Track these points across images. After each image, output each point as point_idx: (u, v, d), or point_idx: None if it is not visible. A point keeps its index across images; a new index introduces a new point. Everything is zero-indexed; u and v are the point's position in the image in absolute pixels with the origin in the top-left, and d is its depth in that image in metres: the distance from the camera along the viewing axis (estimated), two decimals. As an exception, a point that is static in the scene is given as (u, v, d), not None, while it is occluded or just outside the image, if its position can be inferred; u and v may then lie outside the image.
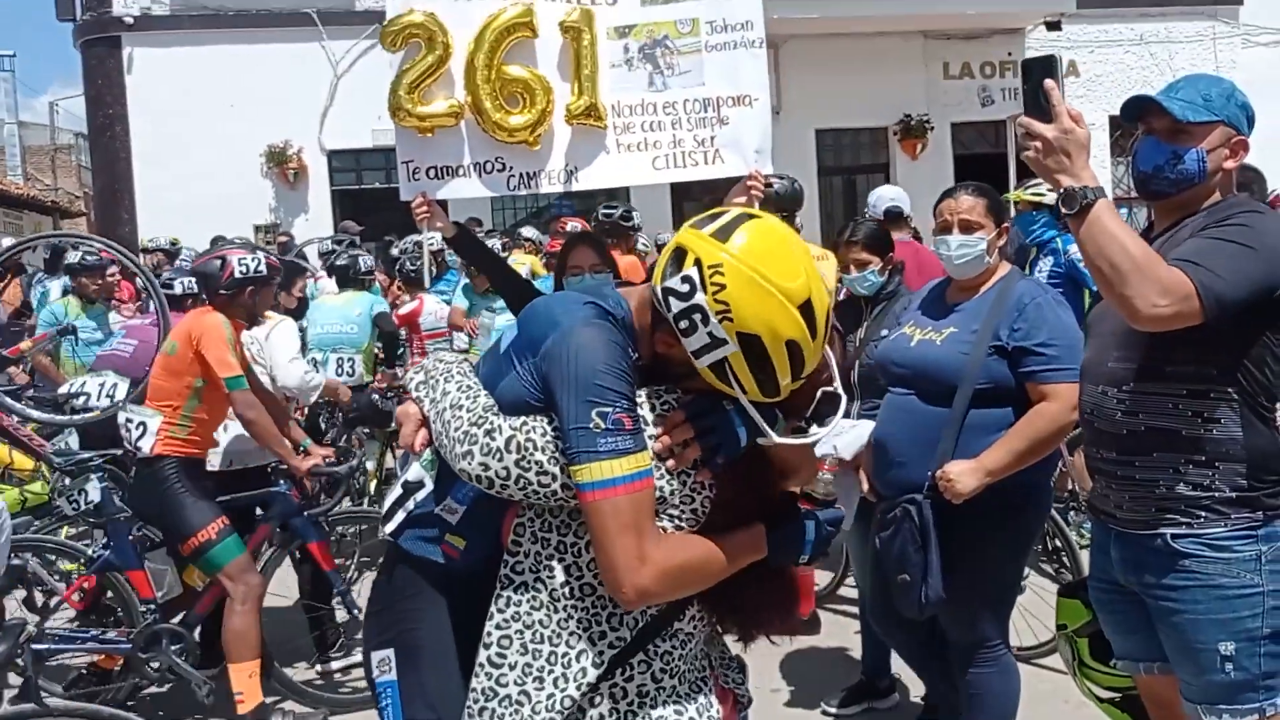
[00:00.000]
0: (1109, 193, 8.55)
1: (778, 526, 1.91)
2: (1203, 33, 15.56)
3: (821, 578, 5.49)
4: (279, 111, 13.30)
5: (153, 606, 4.31)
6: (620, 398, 1.76)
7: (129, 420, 4.30)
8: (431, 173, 3.93)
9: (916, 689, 4.21)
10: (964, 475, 3.02)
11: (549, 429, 1.82)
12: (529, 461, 1.81)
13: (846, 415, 4.01)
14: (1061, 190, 2.17)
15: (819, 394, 1.88)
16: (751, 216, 1.86)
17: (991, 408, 3.09)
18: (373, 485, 6.54)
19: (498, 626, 1.86)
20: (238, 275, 4.42)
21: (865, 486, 3.50)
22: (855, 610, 4.59)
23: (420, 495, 2.03)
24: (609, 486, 1.72)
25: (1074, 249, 6.41)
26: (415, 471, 2.05)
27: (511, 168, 3.93)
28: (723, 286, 1.73)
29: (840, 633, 4.98)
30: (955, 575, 3.10)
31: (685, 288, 1.76)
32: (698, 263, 1.77)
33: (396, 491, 2.09)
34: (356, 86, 13.62)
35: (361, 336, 6.80)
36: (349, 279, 7.14)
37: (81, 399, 5.72)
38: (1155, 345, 2.28)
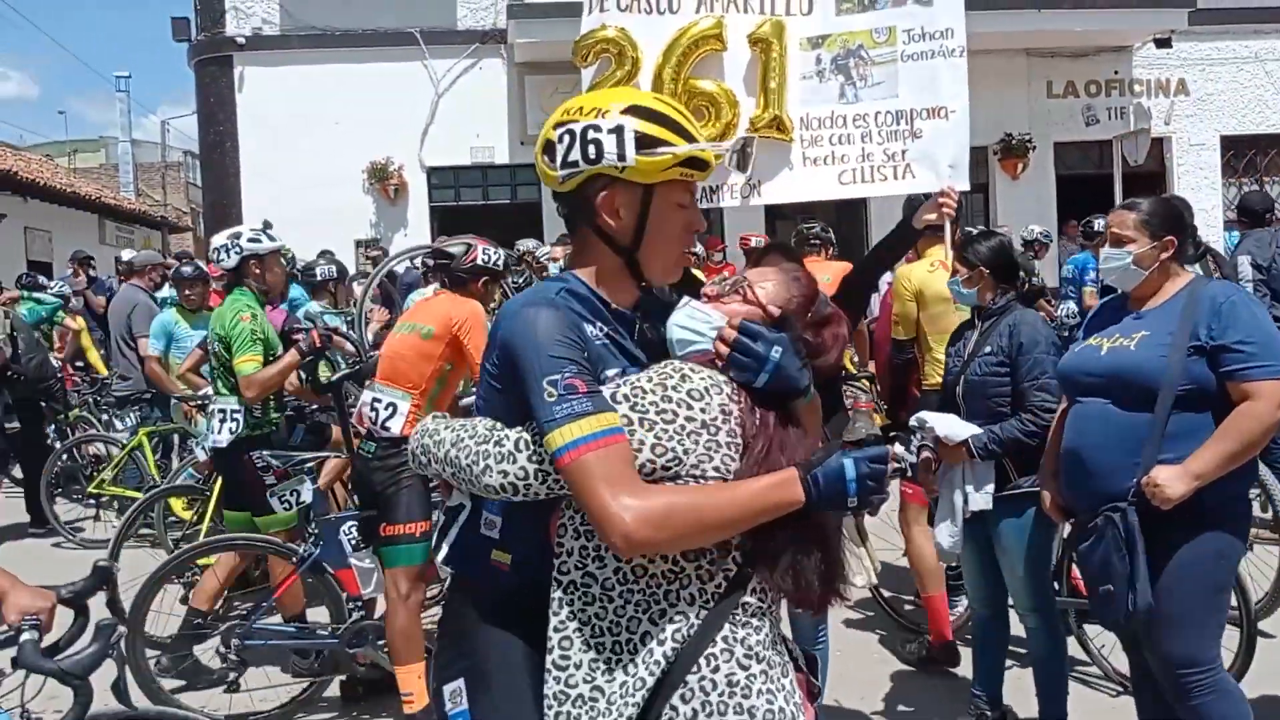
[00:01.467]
0: (1219, 216, 8.54)
1: (809, 469, 1.79)
2: (1322, 50, 14.99)
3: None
4: (381, 128, 13.58)
5: (359, 603, 4.44)
6: (567, 363, 1.81)
7: (376, 400, 4.38)
8: None
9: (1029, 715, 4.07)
10: (1172, 480, 2.94)
11: None
12: (542, 454, 1.81)
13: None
14: None
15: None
16: None
17: (1192, 412, 3.02)
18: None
19: (555, 629, 1.84)
20: (479, 262, 4.64)
21: (1047, 503, 3.47)
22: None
23: (463, 518, 2.05)
24: (572, 449, 1.74)
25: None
26: (456, 497, 2.08)
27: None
28: (580, 109, 1.97)
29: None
30: (1160, 589, 3.00)
31: (566, 140, 1.95)
32: (556, 126, 1.98)
33: (440, 519, 2.15)
34: (457, 105, 13.89)
35: None
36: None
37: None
38: None
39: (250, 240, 5.13)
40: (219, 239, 5.24)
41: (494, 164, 14.22)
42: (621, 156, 1.91)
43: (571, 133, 1.94)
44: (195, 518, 6.52)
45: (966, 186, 3.79)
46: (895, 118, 3.81)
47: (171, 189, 32.70)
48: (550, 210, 13.93)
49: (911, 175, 3.83)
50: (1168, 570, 3.01)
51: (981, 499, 3.80)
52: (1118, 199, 13.00)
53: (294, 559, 4.53)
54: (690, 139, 1.97)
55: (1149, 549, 3.00)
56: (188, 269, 7.76)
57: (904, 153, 3.81)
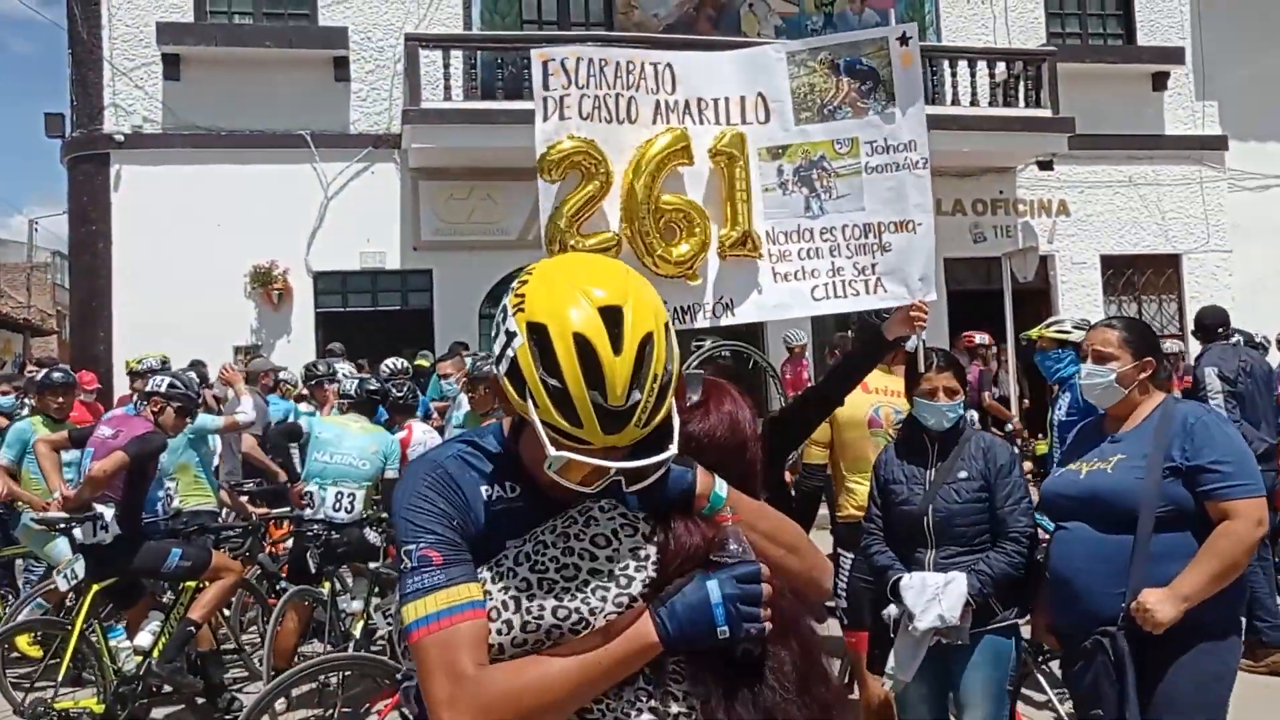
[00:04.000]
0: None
1: (661, 601, 1.58)
2: (1189, 176, 15.80)
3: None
4: (266, 232, 13.05)
5: None
6: (424, 532, 1.64)
7: None
8: None
9: None
10: (1162, 604, 2.95)
11: (486, 577, 1.63)
12: (504, 624, 1.60)
13: (921, 568, 3.65)
14: None
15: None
16: None
17: (1174, 532, 3.05)
18: (358, 627, 5.99)
19: None
20: None
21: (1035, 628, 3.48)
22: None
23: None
24: (417, 629, 1.60)
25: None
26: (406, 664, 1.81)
27: (666, 302, 3.68)
28: (525, 282, 1.64)
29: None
30: (1158, 715, 2.99)
31: (503, 302, 1.65)
32: (517, 272, 1.68)
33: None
34: (347, 209, 13.51)
35: (371, 472, 6.30)
36: (363, 406, 6.69)
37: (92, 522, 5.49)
38: None
39: None
40: None
41: (385, 269, 13.80)
42: (497, 362, 1.63)
43: (512, 294, 1.64)
44: (50, 655, 5.96)
45: (935, 298, 3.73)
46: (863, 231, 3.74)
47: (37, 290, 31.29)
48: (442, 317, 13.57)
49: (883, 289, 3.74)
50: (1165, 694, 3.00)
51: (958, 634, 3.53)
52: (1008, 314, 13.24)
53: (397, 677, 4.30)
54: (570, 411, 1.53)
55: (1144, 670, 3.00)
56: (58, 375, 7.15)
57: (874, 266, 3.72)
